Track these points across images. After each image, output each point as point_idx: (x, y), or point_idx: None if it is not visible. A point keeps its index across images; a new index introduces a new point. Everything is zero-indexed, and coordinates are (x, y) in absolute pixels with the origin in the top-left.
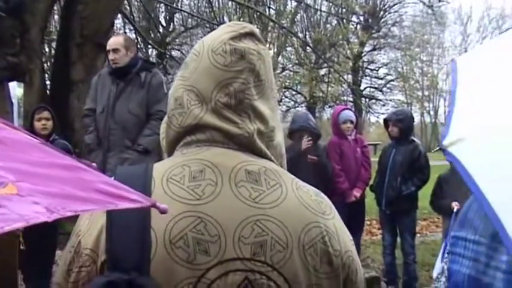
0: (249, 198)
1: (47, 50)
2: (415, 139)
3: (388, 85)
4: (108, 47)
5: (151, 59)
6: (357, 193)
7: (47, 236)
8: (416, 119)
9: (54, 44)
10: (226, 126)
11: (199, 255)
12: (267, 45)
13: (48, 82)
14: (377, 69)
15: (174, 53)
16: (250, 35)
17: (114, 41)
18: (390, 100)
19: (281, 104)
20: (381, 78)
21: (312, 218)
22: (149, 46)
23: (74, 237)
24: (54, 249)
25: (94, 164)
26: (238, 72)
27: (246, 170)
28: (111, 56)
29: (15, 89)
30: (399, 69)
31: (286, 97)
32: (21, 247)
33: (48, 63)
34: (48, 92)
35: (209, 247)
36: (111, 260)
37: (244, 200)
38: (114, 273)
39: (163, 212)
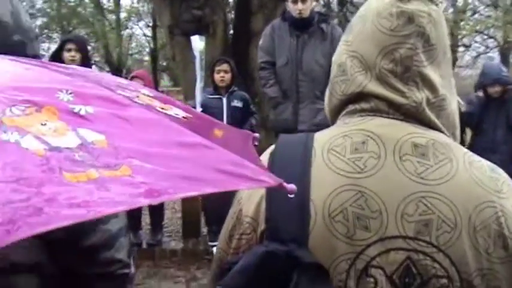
0: (414, 173)
1: (230, 0)
2: None
3: None
4: None
5: (332, 6)
6: None
7: None
8: None
9: None
10: (391, 95)
11: (359, 231)
12: None
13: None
14: None
15: None
16: None
17: None
18: None
19: (470, 49)
20: None
21: (486, 197)
22: None
23: (236, 203)
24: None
25: (257, 135)
26: (405, 37)
27: (413, 143)
28: (299, 6)
29: (197, 42)
30: None
31: (476, 42)
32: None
33: (231, 14)
34: (230, 42)
35: (370, 223)
36: (270, 230)
37: (409, 175)
38: (272, 244)
39: (290, 192)
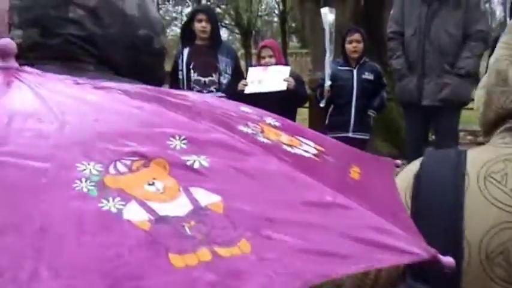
0: None
1: None
2: None
3: None
4: None
5: None
6: None
7: None
8: None
9: None
10: None
11: None
12: None
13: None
14: None
15: None
16: None
17: None
18: None
19: None
20: None
21: None
22: None
23: None
24: None
25: (398, 162)
26: None
27: None
28: None
29: (327, 15)
30: None
31: None
32: None
33: None
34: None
35: None
36: (414, 266)
37: None
38: (417, 284)
39: (448, 267)
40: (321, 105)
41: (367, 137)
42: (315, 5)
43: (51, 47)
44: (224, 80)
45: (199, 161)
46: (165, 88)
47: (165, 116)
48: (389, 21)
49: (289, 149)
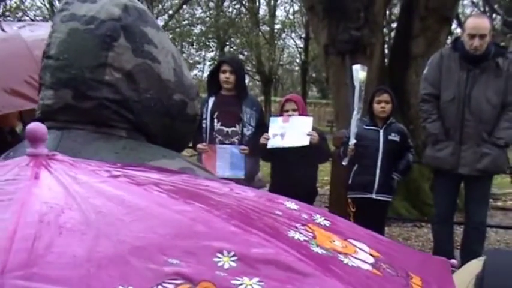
0: None
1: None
2: None
3: None
4: (471, 31)
5: (496, 27)
6: None
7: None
8: None
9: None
10: None
11: None
12: None
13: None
14: None
15: None
16: None
17: (481, 25)
18: None
19: None
20: None
21: None
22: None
23: None
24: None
25: (454, 262)
26: None
27: None
28: (475, 42)
29: (358, 72)
30: None
31: None
32: None
33: (387, 37)
34: (386, 65)
35: None
36: None
37: None
38: None
39: None
40: (343, 163)
41: (390, 199)
42: (340, 60)
43: (84, 110)
44: (247, 132)
45: (251, 285)
46: (203, 177)
47: (211, 223)
48: (422, 82)
49: (346, 260)
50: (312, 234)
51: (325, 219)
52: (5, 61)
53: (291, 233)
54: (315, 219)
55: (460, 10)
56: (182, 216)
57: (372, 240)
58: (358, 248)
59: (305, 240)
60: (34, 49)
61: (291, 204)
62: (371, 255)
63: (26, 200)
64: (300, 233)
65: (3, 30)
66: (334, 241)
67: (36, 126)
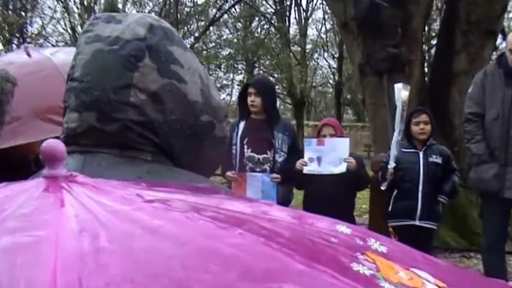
0: None
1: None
2: None
3: None
4: None
5: None
6: None
7: None
8: None
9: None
10: None
11: None
12: None
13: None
14: None
15: None
16: None
17: None
18: None
19: None
20: None
21: None
22: None
23: None
24: None
25: None
26: None
27: None
28: None
29: (401, 91)
30: None
31: None
32: None
33: (427, 54)
34: (427, 84)
35: None
36: None
37: None
38: None
39: None
40: (382, 188)
41: (435, 227)
42: (377, 79)
43: (108, 133)
44: (279, 159)
45: None
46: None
47: (275, 260)
48: (467, 101)
49: None
50: (374, 266)
51: (380, 244)
52: (37, 85)
53: (355, 266)
54: (370, 245)
55: (506, 23)
56: (238, 250)
57: (432, 266)
58: (423, 278)
59: (371, 275)
60: (65, 73)
61: (342, 227)
62: (437, 286)
63: (58, 236)
64: (363, 265)
65: (29, 55)
66: (398, 272)
67: (53, 143)
